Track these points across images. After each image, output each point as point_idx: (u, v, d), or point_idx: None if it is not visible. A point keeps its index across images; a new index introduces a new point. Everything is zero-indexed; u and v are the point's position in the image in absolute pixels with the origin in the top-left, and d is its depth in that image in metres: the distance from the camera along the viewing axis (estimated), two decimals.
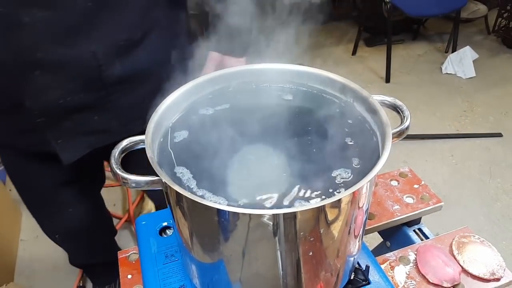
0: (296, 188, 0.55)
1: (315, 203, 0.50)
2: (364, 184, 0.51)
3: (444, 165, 2.12)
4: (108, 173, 2.14)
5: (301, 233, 0.54)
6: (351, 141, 0.63)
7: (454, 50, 2.83)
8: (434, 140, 2.29)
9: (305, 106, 0.70)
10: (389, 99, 0.64)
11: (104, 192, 2.09)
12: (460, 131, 2.33)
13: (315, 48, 3.04)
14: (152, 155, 0.54)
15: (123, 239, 1.86)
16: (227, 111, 0.69)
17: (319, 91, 0.71)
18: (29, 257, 1.83)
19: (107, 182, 2.17)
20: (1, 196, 1.88)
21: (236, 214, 0.50)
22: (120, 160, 0.59)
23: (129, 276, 0.84)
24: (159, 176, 0.54)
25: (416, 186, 1.02)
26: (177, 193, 0.52)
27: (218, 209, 0.50)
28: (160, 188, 0.56)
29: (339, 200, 0.51)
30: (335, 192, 0.55)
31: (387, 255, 0.87)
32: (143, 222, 0.83)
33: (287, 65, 0.73)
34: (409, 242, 0.97)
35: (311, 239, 0.55)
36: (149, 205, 1.91)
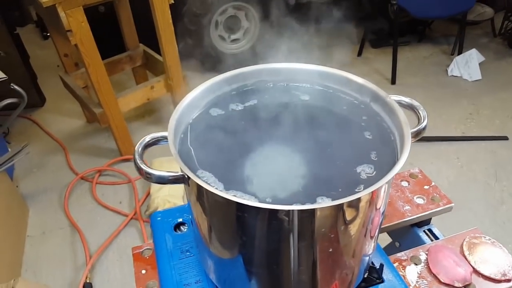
0: (318, 185, 0.56)
1: (334, 200, 0.50)
2: (383, 184, 0.51)
3: (449, 168, 2.13)
4: (113, 172, 2.17)
5: (320, 231, 0.55)
6: (369, 136, 0.64)
7: (460, 53, 2.84)
8: (439, 142, 2.29)
9: (323, 104, 0.71)
10: (406, 99, 0.65)
11: (110, 190, 2.12)
12: (466, 134, 2.33)
13: (319, 48, 3.04)
14: (175, 152, 0.55)
15: (130, 236, 1.87)
16: (246, 109, 0.70)
17: (335, 90, 0.72)
18: (35, 253, 1.84)
19: (113, 179, 2.19)
20: (9, 191, 1.88)
21: (256, 208, 0.50)
22: (143, 155, 0.59)
23: (143, 272, 0.85)
24: (182, 172, 0.55)
25: (426, 187, 1.03)
26: (199, 188, 0.53)
27: (239, 203, 0.50)
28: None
29: (358, 199, 0.52)
30: (356, 190, 0.55)
31: (398, 254, 0.88)
32: (158, 218, 0.84)
33: (304, 64, 0.74)
34: (419, 242, 0.98)
35: (329, 237, 0.56)
36: (155, 203, 1.92)
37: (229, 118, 0.68)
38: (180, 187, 2.07)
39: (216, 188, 0.53)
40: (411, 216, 0.96)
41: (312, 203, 0.53)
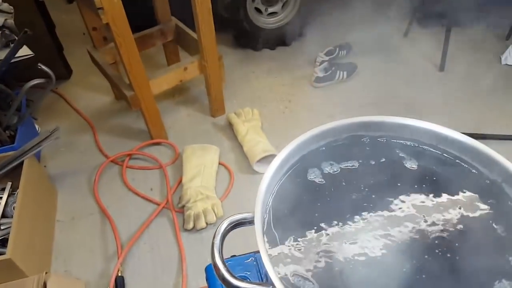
0: None
1: None
2: None
3: None
4: (143, 156, 2.05)
5: None
6: (503, 232, 0.51)
7: None
8: (487, 140, 2.12)
9: (435, 177, 0.57)
10: None
11: (141, 175, 2.05)
12: None
13: (363, 25, 2.81)
14: (268, 260, 0.43)
15: (162, 226, 1.81)
16: (337, 175, 0.58)
17: (452, 157, 0.58)
18: (65, 239, 1.80)
19: (143, 163, 2.11)
20: (38, 173, 1.82)
21: None
22: (222, 248, 0.48)
23: None
24: (273, 286, 0.44)
25: None
26: None
27: None
28: None
29: None
30: None
31: None
32: None
33: (409, 119, 0.60)
34: None
35: None
36: (188, 195, 1.84)
37: (322, 188, 0.56)
38: (212, 178, 1.98)
39: None
40: None
41: None
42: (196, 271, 1.63)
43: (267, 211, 0.52)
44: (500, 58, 2.57)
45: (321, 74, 2.44)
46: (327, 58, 2.49)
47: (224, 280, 0.45)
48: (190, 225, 1.77)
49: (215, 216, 1.78)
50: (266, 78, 2.57)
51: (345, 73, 2.47)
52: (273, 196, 0.54)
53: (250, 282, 0.44)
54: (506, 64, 2.55)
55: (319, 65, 2.46)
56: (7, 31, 1.64)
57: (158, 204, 1.89)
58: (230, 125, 2.21)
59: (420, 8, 2.76)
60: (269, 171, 0.52)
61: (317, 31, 2.82)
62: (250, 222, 0.50)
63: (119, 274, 1.63)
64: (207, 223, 1.77)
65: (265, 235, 0.49)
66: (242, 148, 2.08)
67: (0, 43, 1.64)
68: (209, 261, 1.65)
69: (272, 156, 1.97)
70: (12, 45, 1.71)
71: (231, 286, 0.45)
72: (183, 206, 1.84)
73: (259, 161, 1.97)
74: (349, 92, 2.44)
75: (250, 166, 2.00)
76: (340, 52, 2.58)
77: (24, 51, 1.78)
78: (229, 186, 1.95)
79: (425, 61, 2.60)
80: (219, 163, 2.04)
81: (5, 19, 1.76)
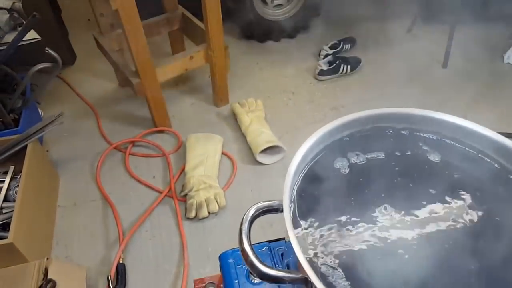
0: None
1: None
2: None
3: None
4: (146, 143, 2.05)
5: None
6: None
7: None
8: None
9: (457, 167, 0.58)
10: None
11: (143, 162, 2.05)
12: None
13: (368, 20, 2.82)
14: (299, 249, 0.44)
15: (164, 214, 1.82)
16: (363, 166, 0.58)
17: (476, 151, 0.58)
18: (67, 225, 1.80)
19: (146, 151, 2.11)
20: (41, 158, 1.82)
21: None
22: (250, 235, 0.49)
23: None
24: (304, 275, 0.44)
25: None
26: None
27: None
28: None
29: None
30: None
31: None
32: (230, 260, 0.75)
33: (434, 112, 0.60)
34: None
35: None
36: (191, 183, 1.85)
37: (348, 178, 0.56)
38: (215, 167, 1.99)
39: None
40: None
41: None
42: (197, 260, 1.64)
43: (292, 200, 0.52)
44: (503, 57, 2.58)
45: (325, 67, 2.44)
46: (331, 51, 2.49)
47: (252, 266, 0.46)
48: (192, 214, 1.78)
49: (218, 206, 1.79)
50: (270, 69, 2.57)
51: (349, 67, 2.47)
52: (297, 184, 0.55)
53: (279, 270, 0.45)
54: (509, 63, 2.56)
55: (323, 58, 2.46)
56: (15, 14, 1.62)
57: (160, 192, 1.89)
58: (233, 115, 2.21)
59: (424, 5, 2.76)
60: (295, 160, 0.53)
61: (321, 24, 2.82)
62: (276, 209, 0.51)
63: (121, 261, 1.64)
64: (209, 212, 1.78)
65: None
66: (246, 139, 2.08)
67: (8, 26, 1.63)
68: (210, 250, 1.66)
69: (276, 147, 1.98)
70: (19, 29, 1.69)
71: (259, 272, 0.45)
72: (186, 195, 1.84)
73: (262, 152, 1.98)
74: (353, 86, 2.45)
75: (253, 157, 2.01)
76: (345, 46, 2.59)
77: (32, 35, 1.76)
78: (231, 176, 1.96)
79: (428, 58, 2.60)
80: (222, 153, 2.05)
81: (13, 2, 1.74)
